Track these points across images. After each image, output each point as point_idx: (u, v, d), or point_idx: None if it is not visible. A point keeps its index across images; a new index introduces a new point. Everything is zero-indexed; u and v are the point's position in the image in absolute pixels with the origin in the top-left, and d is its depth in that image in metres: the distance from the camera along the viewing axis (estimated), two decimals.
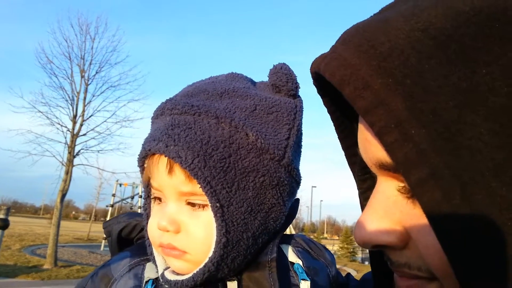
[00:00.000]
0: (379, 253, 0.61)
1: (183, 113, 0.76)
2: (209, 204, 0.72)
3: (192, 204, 0.76)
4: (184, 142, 0.72)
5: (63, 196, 15.22)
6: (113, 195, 24.40)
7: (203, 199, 0.73)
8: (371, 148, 0.50)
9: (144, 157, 0.78)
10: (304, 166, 0.89)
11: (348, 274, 0.98)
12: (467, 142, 0.40)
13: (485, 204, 0.39)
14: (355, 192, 0.68)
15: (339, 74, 0.47)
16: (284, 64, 0.88)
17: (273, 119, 0.81)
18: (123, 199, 25.25)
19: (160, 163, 0.75)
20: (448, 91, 0.41)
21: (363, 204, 0.63)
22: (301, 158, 0.89)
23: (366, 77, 0.44)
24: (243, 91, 0.83)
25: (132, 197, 25.29)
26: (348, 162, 0.66)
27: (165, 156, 0.73)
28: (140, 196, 23.60)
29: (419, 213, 0.47)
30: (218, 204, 0.71)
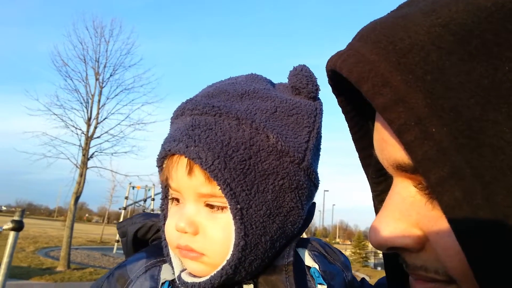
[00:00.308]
0: (394, 256, 0.60)
1: (204, 114, 0.76)
2: (228, 206, 0.71)
3: (211, 206, 0.75)
4: (204, 143, 0.71)
5: (77, 198, 15.37)
6: (126, 197, 24.56)
7: (222, 201, 0.72)
8: (388, 148, 0.49)
9: (163, 158, 0.77)
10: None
11: (363, 279, 0.97)
12: (489, 140, 0.38)
13: (507, 204, 0.37)
14: (368, 196, 0.67)
15: (357, 71, 0.46)
16: (304, 66, 0.88)
17: (293, 122, 0.80)
18: (136, 202, 25.39)
19: (179, 164, 0.74)
20: (469, 88, 0.40)
21: (377, 207, 0.62)
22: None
23: (386, 73, 0.43)
24: (264, 93, 0.82)
25: (145, 200, 25.42)
26: (362, 164, 0.65)
27: (185, 157, 0.72)
28: (153, 199, 23.73)
29: (437, 214, 0.46)
30: (237, 206, 0.70)
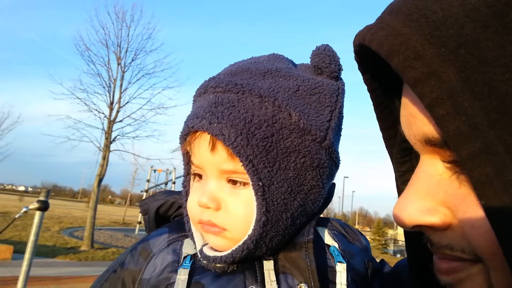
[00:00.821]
0: (415, 235, 0.59)
1: (227, 91, 0.76)
2: (250, 183, 0.72)
3: (233, 182, 0.76)
4: (227, 120, 0.71)
5: (100, 180, 15.71)
6: (148, 180, 24.98)
7: (244, 177, 0.73)
8: (417, 123, 0.48)
9: (186, 134, 0.77)
10: None
11: (382, 260, 0.97)
12: None
13: None
14: (389, 183, 0.65)
15: (387, 44, 0.45)
16: (327, 45, 0.87)
17: (315, 101, 0.80)
18: (157, 185, 25.81)
19: (202, 140, 0.75)
20: (504, 62, 0.38)
21: (400, 188, 0.61)
22: None
23: (418, 46, 0.42)
24: (286, 71, 0.82)
25: (166, 183, 25.81)
26: (385, 144, 0.64)
27: (208, 134, 0.73)
28: (174, 182, 24.04)
29: (465, 192, 0.45)
30: (259, 183, 0.71)
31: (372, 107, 0.61)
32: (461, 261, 0.48)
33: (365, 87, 0.60)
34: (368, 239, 0.96)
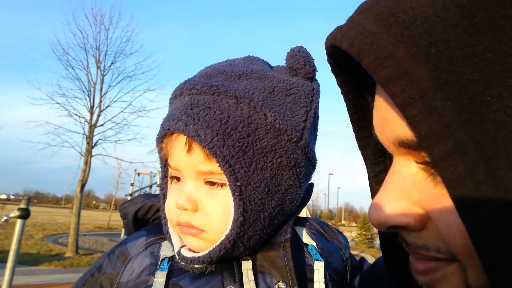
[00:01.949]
0: (391, 235, 0.59)
1: (202, 93, 0.77)
2: (227, 183, 0.72)
3: (211, 183, 0.76)
4: (203, 121, 0.72)
5: (83, 186, 15.49)
6: (132, 184, 24.75)
7: (221, 178, 0.73)
8: (390, 126, 0.48)
9: (162, 137, 0.78)
10: (321, 153, 0.88)
11: (362, 258, 0.98)
12: (492, 115, 0.38)
13: (508, 179, 0.37)
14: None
15: (358, 44, 0.45)
16: (301, 47, 0.88)
17: (291, 101, 0.81)
18: (141, 188, 25.56)
19: (179, 142, 0.75)
20: (474, 62, 0.39)
21: (374, 188, 0.62)
22: (318, 145, 0.88)
23: (388, 45, 0.42)
24: (261, 73, 0.83)
25: (150, 186, 25.59)
26: (359, 145, 0.64)
27: (184, 135, 0.73)
28: (158, 185, 23.85)
29: (440, 192, 0.45)
30: (237, 183, 0.71)
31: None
32: (437, 261, 0.48)
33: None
34: (355, 234, 0.98)
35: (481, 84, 0.38)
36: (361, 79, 0.57)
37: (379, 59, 0.42)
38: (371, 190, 0.63)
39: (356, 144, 0.64)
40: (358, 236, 33.88)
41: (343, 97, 0.60)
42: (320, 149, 0.88)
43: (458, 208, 0.39)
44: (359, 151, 0.65)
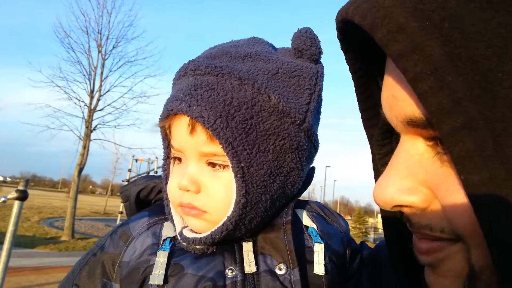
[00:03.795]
0: (393, 216, 0.59)
1: (206, 74, 0.76)
2: (230, 165, 0.72)
3: (213, 165, 0.76)
4: (207, 102, 0.71)
5: (81, 170, 15.51)
6: (129, 170, 24.67)
7: (224, 159, 0.73)
8: (399, 104, 0.48)
9: (166, 117, 0.77)
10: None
11: (362, 242, 0.98)
12: (503, 92, 0.38)
13: None
14: (369, 173, 0.65)
15: (370, 17, 0.44)
16: (308, 28, 0.87)
17: (294, 83, 0.80)
18: (139, 175, 25.52)
19: (182, 123, 0.75)
20: (487, 37, 0.38)
21: (380, 170, 0.62)
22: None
23: (401, 19, 0.41)
24: (265, 55, 0.83)
25: (148, 173, 25.58)
26: (364, 126, 0.64)
27: (188, 116, 0.73)
28: (156, 172, 23.86)
29: (446, 171, 0.45)
30: (239, 165, 0.71)
31: (354, 89, 0.61)
32: (441, 241, 0.49)
33: (349, 77, 0.60)
34: (349, 227, 0.97)
35: (493, 60, 0.38)
36: (369, 58, 0.56)
37: (392, 33, 0.42)
38: (375, 173, 0.63)
39: (361, 139, 0.64)
40: (353, 229, 34.07)
41: (351, 75, 0.60)
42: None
43: (465, 185, 0.39)
44: (365, 133, 0.65)
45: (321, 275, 0.77)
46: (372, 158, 0.64)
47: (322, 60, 0.89)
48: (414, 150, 0.49)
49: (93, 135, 15.97)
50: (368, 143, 0.66)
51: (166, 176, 0.85)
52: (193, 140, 0.74)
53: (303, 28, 0.87)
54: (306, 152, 0.81)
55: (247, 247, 0.79)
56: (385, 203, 0.50)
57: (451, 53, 0.39)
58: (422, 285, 0.55)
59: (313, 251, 0.80)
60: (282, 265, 0.76)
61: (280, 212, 0.82)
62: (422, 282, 0.54)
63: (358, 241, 0.98)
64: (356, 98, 0.62)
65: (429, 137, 0.48)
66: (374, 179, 0.61)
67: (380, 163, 0.63)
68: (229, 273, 0.75)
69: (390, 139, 0.61)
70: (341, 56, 0.58)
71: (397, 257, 0.64)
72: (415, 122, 0.46)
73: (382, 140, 0.62)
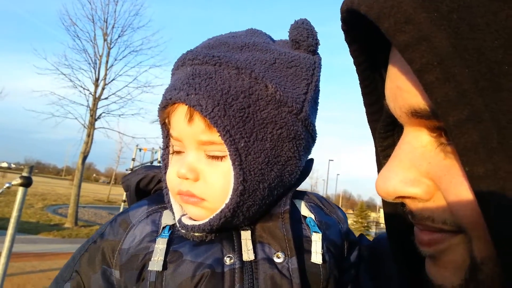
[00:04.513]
0: (394, 209, 0.60)
1: (204, 63, 0.77)
2: (228, 153, 0.73)
3: (212, 154, 0.77)
4: (204, 91, 0.72)
5: (85, 158, 15.59)
6: (133, 159, 24.75)
7: (222, 148, 0.74)
8: (403, 95, 0.48)
9: (164, 107, 0.78)
10: (322, 139, 0.88)
11: (361, 235, 0.99)
12: (509, 84, 0.38)
13: None
14: (372, 167, 0.65)
15: (377, 7, 0.44)
16: (305, 19, 0.88)
17: (292, 73, 0.81)
18: (142, 164, 25.65)
19: (180, 112, 0.76)
20: (495, 29, 0.38)
21: (382, 163, 0.62)
22: (319, 131, 0.89)
23: (409, 9, 0.41)
24: (263, 46, 0.84)
25: (152, 162, 25.64)
26: (368, 119, 0.64)
27: (186, 105, 0.74)
28: (159, 162, 23.94)
29: (450, 163, 0.46)
30: (237, 153, 0.72)
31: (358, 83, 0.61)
32: (442, 233, 0.49)
33: (353, 74, 0.60)
34: (351, 221, 0.98)
35: (500, 52, 0.38)
36: (373, 49, 0.56)
37: (399, 23, 0.41)
38: (377, 165, 0.63)
39: (364, 134, 0.64)
40: (354, 223, 34.12)
41: (355, 68, 0.59)
42: (322, 136, 0.88)
43: (469, 177, 0.39)
44: (368, 126, 0.65)
45: (319, 264, 0.78)
46: (375, 151, 0.65)
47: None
48: (417, 141, 0.49)
49: (97, 124, 16.06)
50: (371, 137, 0.66)
51: (166, 166, 0.86)
52: (191, 129, 0.75)
53: (300, 19, 0.87)
54: (303, 142, 0.82)
55: (246, 236, 0.80)
56: (387, 194, 0.50)
57: (458, 44, 0.39)
58: (422, 277, 0.55)
59: (311, 241, 0.81)
60: (280, 253, 0.77)
61: (278, 202, 0.83)
62: (423, 274, 0.54)
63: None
64: (360, 92, 0.62)
65: (433, 128, 0.48)
66: (376, 173, 0.61)
67: (382, 155, 0.63)
68: (227, 261, 0.76)
69: (393, 131, 0.62)
70: (344, 50, 0.58)
71: (398, 250, 0.64)
72: (419, 113, 0.46)
73: (385, 133, 0.62)
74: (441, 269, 0.51)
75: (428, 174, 0.48)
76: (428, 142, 0.49)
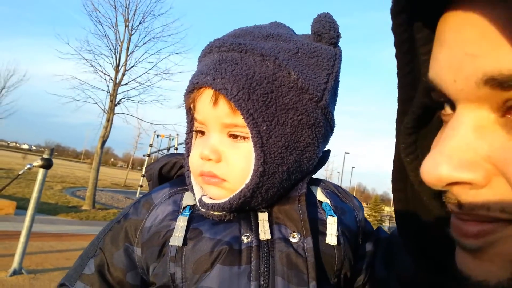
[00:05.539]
0: (406, 210, 0.58)
1: (230, 50, 0.80)
2: (250, 135, 0.76)
3: (234, 136, 0.80)
4: (230, 75, 0.75)
5: (104, 142, 15.80)
6: (150, 145, 25.05)
7: (244, 131, 0.77)
8: (475, 62, 0.40)
9: (191, 91, 0.81)
10: (339, 132, 0.88)
11: (379, 227, 1.00)
12: None
13: None
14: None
15: None
16: (327, 13, 0.90)
17: (313, 63, 0.84)
18: (159, 150, 25.91)
19: (206, 95, 0.79)
20: None
21: (404, 161, 0.56)
22: (336, 123, 0.91)
23: None
24: (287, 36, 0.87)
25: (168, 149, 25.89)
26: (399, 110, 0.57)
27: (212, 89, 0.77)
28: (176, 149, 24.13)
29: None
30: (258, 135, 0.75)
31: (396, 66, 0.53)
32: (496, 222, 0.43)
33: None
34: (365, 215, 0.98)
35: None
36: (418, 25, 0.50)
37: None
38: (394, 163, 0.58)
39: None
40: (368, 217, 33.92)
41: (396, 52, 0.52)
42: (338, 127, 0.89)
43: None
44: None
45: (333, 245, 0.81)
46: (395, 148, 0.59)
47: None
48: (475, 120, 0.43)
49: (117, 109, 16.19)
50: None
51: (188, 149, 0.89)
52: (216, 112, 0.78)
53: (323, 13, 0.90)
54: (322, 130, 0.84)
55: (263, 217, 0.83)
56: (438, 181, 0.44)
57: None
58: (446, 274, 0.50)
59: (326, 223, 0.83)
60: (296, 234, 0.80)
61: (295, 186, 0.86)
62: (447, 271, 0.50)
63: None
64: (397, 79, 0.55)
65: (501, 104, 0.41)
66: (392, 170, 0.59)
67: (404, 153, 0.57)
68: (244, 239, 0.79)
69: (418, 128, 0.55)
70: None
71: (413, 246, 0.60)
72: (497, 80, 0.38)
73: (411, 128, 0.55)
74: (485, 263, 0.45)
75: (489, 158, 0.41)
76: (489, 121, 0.42)
